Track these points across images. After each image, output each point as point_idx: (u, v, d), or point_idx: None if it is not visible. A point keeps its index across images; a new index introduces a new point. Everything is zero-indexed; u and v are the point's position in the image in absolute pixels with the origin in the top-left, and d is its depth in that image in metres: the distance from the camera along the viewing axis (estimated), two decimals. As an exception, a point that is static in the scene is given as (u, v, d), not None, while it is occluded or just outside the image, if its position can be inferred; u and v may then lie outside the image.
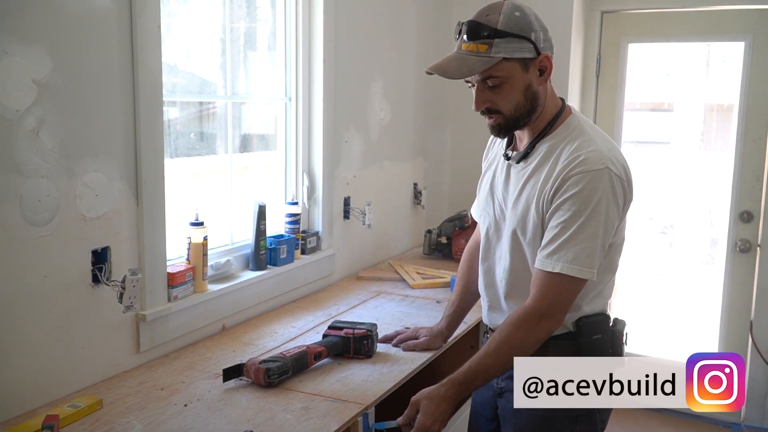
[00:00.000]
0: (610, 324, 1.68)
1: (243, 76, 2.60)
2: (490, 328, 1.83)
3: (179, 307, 2.06)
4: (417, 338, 2.10)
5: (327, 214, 2.82)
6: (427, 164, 3.70)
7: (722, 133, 3.80)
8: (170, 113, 2.27)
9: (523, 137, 1.69)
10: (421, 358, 2.03)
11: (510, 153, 1.71)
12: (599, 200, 1.52)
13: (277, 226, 2.65)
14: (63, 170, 1.69)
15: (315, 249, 2.76)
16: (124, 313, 1.84)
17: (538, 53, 1.56)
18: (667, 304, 3.97)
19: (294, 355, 1.88)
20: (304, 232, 2.72)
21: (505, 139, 1.74)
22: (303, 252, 2.69)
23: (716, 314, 3.74)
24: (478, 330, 2.51)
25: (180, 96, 2.32)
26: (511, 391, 1.56)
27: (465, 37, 1.55)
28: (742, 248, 3.63)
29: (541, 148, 1.63)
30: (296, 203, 2.68)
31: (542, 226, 1.60)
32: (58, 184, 1.68)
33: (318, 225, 2.80)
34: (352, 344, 2.01)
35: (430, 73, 1.60)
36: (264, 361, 1.84)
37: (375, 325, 2.09)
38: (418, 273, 2.99)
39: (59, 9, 1.65)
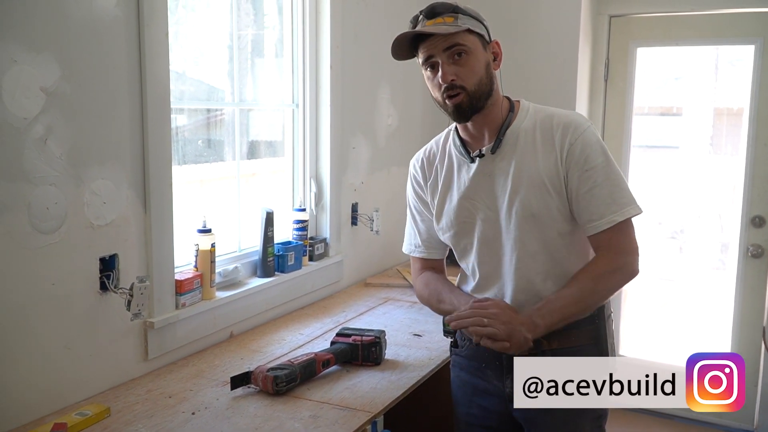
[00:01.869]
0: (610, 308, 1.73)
1: (250, 82, 2.60)
2: (464, 341, 1.78)
3: (187, 315, 2.06)
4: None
5: (335, 221, 2.81)
6: (435, 170, 3.69)
7: (732, 137, 3.77)
8: (178, 120, 2.27)
9: (482, 132, 1.67)
10: (429, 366, 2.02)
11: (480, 150, 1.66)
12: (604, 147, 1.63)
13: (284, 232, 2.65)
14: (71, 178, 1.69)
15: (323, 255, 2.75)
16: (131, 321, 1.84)
17: (490, 39, 1.65)
18: (677, 309, 3.94)
19: (302, 363, 1.88)
20: (311, 238, 2.72)
21: (447, 153, 1.74)
22: (311, 259, 2.68)
23: (728, 320, 3.71)
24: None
25: (188, 103, 2.32)
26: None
27: (427, 16, 1.61)
28: (753, 253, 3.60)
29: (514, 135, 1.65)
30: (304, 210, 2.67)
31: (561, 200, 1.61)
32: (66, 192, 1.68)
33: (326, 231, 2.80)
34: (360, 351, 2.00)
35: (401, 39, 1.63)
36: (272, 368, 1.83)
37: (383, 332, 2.08)
38: (426, 279, 2.98)
39: (67, 17, 1.65)
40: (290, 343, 2.21)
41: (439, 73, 1.60)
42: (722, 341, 3.75)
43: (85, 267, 1.76)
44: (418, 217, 1.85)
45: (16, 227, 1.58)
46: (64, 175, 1.67)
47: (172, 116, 2.01)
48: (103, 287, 1.80)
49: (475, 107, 1.61)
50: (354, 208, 2.96)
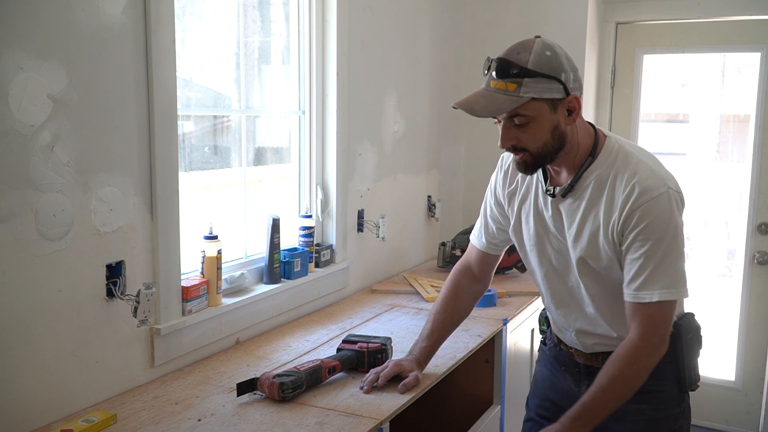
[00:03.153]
0: (694, 323, 1.75)
1: (257, 89, 2.61)
2: (564, 344, 1.85)
3: (193, 321, 2.06)
4: (402, 375, 1.90)
5: (341, 227, 2.82)
6: (441, 177, 3.70)
7: (739, 144, 3.77)
8: (185, 127, 2.28)
9: (560, 171, 1.66)
10: (435, 373, 2.02)
11: (551, 189, 1.67)
12: (673, 222, 1.54)
13: (291, 239, 2.65)
14: (78, 185, 1.70)
15: (329, 262, 2.75)
16: (138, 327, 1.84)
17: (567, 94, 1.53)
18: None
19: (308, 370, 1.87)
20: (318, 245, 2.72)
21: (536, 174, 1.72)
22: (317, 265, 2.68)
23: (734, 326, 3.70)
24: (492, 344, 2.50)
25: (194, 110, 2.33)
26: None
27: (494, 74, 1.52)
28: (760, 260, 3.58)
29: (589, 180, 1.61)
30: (310, 216, 2.67)
31: (617, 256, 1.60)
32: (73, 199, 1.69)
33: (332, 238, 2.80)
34: (366, 358, 2.00)
35: (456, 108, 1.58)
36: (278, 375, 1.83)
37: (389, 339, 2.07)
38: (432, 286, 2.98)
39: (74, 24, 1.66)
40: (296, 350, 2.21)
41: (500, 133, 1.57)
42: (728, 348, 3.73)
43: (92, 274, 1.76)
44: (489, 214, 1.91)
45: (23, 234, 1.58)
46: (71, 182, 1.68)
47: (179, 123, 2.01)
48: (110, 294, 1.80)
49: (541, 164, 1.60)
50: (360, 215, 2.96)
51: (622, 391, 1.57)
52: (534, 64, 1.49)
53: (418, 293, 2.91)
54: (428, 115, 3.50)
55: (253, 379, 1.84)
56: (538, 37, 1.56)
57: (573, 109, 1.55)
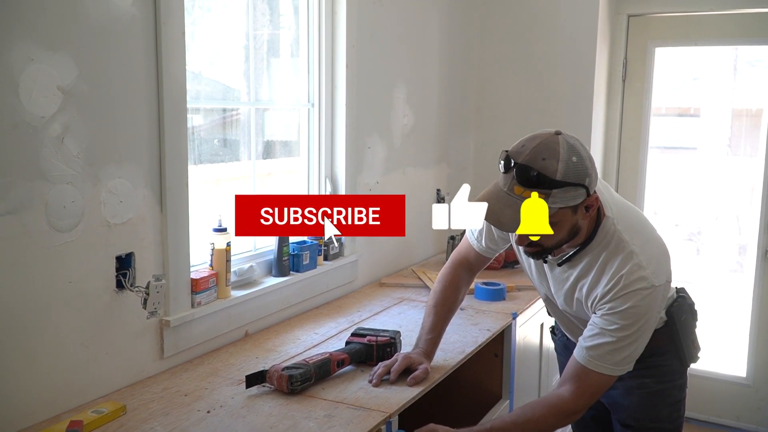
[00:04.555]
0: (687, 301, 1.86)
1: (266, 82, 2.60)
2: (562, 332, 2.05)
3: (203, 313, 2.07)
4: (411, 368, 1.91)
5: (350, 221, 2.81)
6: (450, 170, 3.69)
7: (751, 138, 3.73)
8: (194, 120, 2.28)
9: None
10: (444, 366, 2.01)
11: (549, 257, 1.73)
12: (645, 317, 1.60)
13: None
14: (88, 177, 1.70)
15: (338, 255, 2.75)
16: (147, 319, 1.85)
17: (589, 194, 1.54)
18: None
19: (317, 362, 1.87)
20: (327, 238, 2.72)
21: None
22: (326, 258, 2.68)
23: (745, 323, 3.67)
24: (502, 337, 2.49)
25: (204, 103, 2.33)
26: (621, 380, 1.71)
27: (516, 179, 1.51)
28: (772, 255, 3.56)
29: (582, 259, 1.69)
30: (319, 209, 2.67)
31: (584, 309, 1.74)
32: (83, 191, 1.69)
33: (341, 231, 2.79)
34: (375, 352, 2.00)
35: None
36: (287, 367, 1.83)
37: (398, 332, 2.07)
38: (441, 280, 2.97)
39: (84, 16, 1.66)
40: (305, 343, 2.21)
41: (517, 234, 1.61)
42: (740, 343, 3.71)
43: (102, 265, 1.77)
44: (489, 230, 1.96)
45: (33, 225, 1.59)
46: (81, 174, 1.68)
47: (189, 116, 2.01)
48: (120, 286, 1.81)
49: (550, 252, 1.69)
50: (369, 208, 2.95)
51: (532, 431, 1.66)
52: (563, 174, 1.49)
53: (426, 287, 2.90)
54: (437, 108, 3.49)
55: (261, 371, 1.84)
56: (559, 133, 1.53)
57: (591, 206, 1.58)
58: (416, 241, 3.36)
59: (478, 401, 2.51)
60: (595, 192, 1.57)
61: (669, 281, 1.68)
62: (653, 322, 1.64)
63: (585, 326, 1.71)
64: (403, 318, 2.49)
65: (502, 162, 1.56)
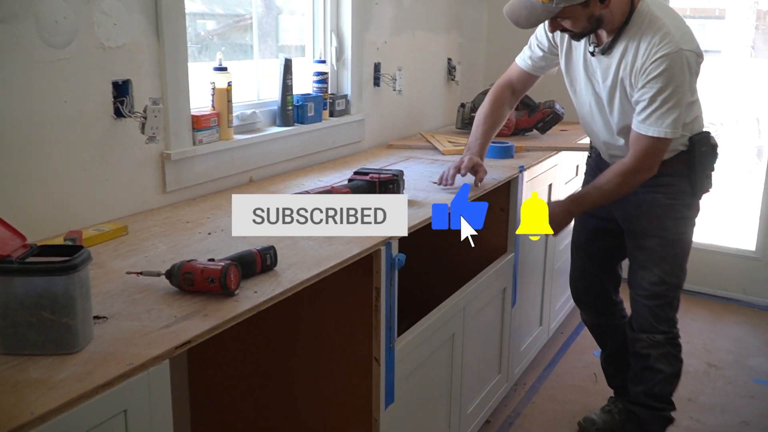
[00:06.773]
0: (710, 139, 2.11)
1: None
2: (598, 154, 2.32)
3: (204, 151, 2.05)
4: (475, 171, 2.20)
5: (356, 79, 2.75)
6: (462, 39, 3.58)
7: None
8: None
9: (601, 34, 2.01)
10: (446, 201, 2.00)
11: (592, 49, 2.04)
12: (676, 78, 1.88)
13: (304, 87, 2.60)
14: (80, -7, 1.65)
15: (344, 112, 2.71)
16: (146, 144, 1.84)
17: None
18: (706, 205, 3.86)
19: (321, 193, 1.86)
20: (332, 94, 2.67)
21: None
22: (331, 114, 2.64)
23: (757, 198, 3.62)
24: (508, 191, 2.47)
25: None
26: (636, 194, 2.08)
27: None
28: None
29: (621, 42, 1.97)
30: (324, 61, 2.61)
31: (627, 97, 2.00)
32: (75, 8, 1.64)
33: (347, 88, 2.74)
34: (377, 188, 1.98)
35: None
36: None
37: (401, 171, 2.05)
38: (449, 142, 2.93)
39: None
40: (308, 187, 2.19)
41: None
42: (750, 218, 3.68)
43: (99, 89, 1.74)
44: (537, 44, 2.25)
45: (25, 38, 1.55)
46: (72, -10, 1.63)
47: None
48: (118, 113, 1.78)
49: (587, 35, 1.98)
50: (377, 68, 2.88)
51: (607, 196, 2.08)
52: None
53: (434, 148, 2.87)
54: (449, -29, 3.35)
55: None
56: None
57: None
58: (426, 109, 3.30)
59: (483, 254, 2.51)
60: None
61: (698, 53, 1.92)
62: (686, 86, 1.90)
63: (620, 137, 2.08)
64: (409, 170, 2.45)
65: None
